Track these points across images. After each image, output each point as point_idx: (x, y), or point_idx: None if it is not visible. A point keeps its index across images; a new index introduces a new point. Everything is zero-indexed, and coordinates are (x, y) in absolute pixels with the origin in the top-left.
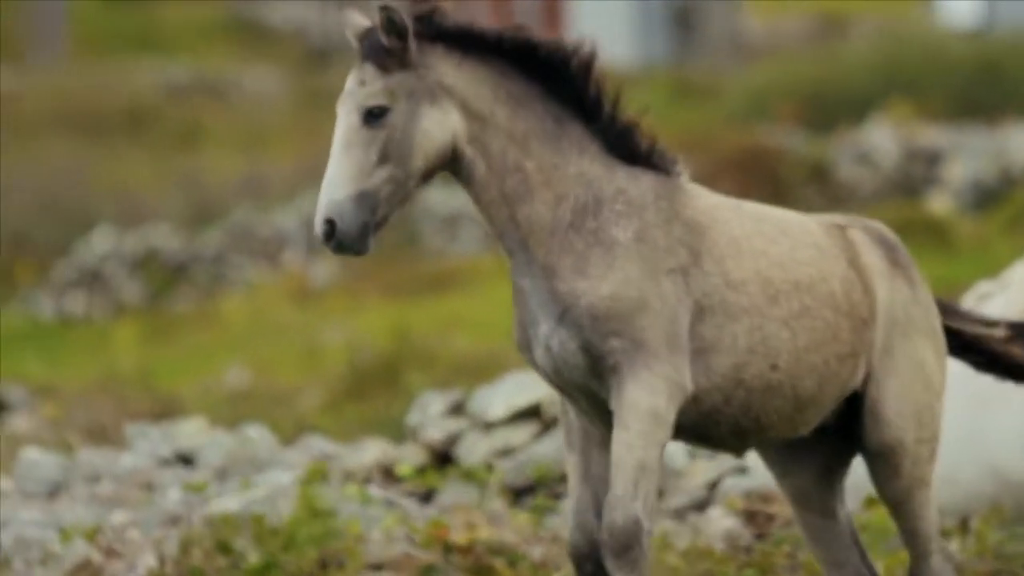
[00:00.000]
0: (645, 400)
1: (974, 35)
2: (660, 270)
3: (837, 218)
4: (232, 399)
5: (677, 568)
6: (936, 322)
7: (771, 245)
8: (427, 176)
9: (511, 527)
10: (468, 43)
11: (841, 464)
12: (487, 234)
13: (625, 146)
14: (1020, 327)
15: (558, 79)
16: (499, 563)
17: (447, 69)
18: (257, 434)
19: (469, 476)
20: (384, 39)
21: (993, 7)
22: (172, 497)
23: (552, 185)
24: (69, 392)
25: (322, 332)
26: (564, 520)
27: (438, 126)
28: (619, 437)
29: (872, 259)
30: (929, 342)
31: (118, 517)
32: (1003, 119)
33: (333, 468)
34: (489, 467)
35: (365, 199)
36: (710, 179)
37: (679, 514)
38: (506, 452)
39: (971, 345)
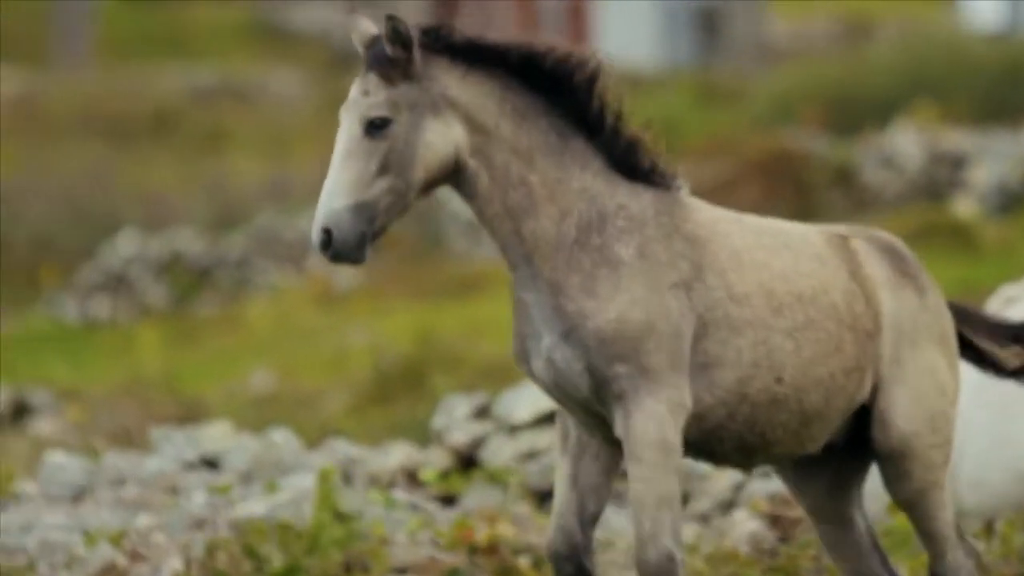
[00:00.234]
0: (653, 431)
1: (999, 38)
2: (663, 285)
3: (840, 228)
4: (257, 403)
5: (702, 572)
6: (949, 328)
7: (773, 257)
8: (428, 188)
9: (535, 529)
10: (473, 55)
11: (856, 474)
12: None
13: (627, 162)
14: None
15: (562, 92)
16: (523, 564)
17: (451, 81)
18: (282, 438)
19: (494, 479)
20: (389, 49)
21: (1017, 9)
22: (197, 501)
23: (556, 200)
24: (94, 396)
25: (347, 336)
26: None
27: (441, 138)
28: (634, 473)
29: (875, 270)
30: (940, 348)
31: (143, 521)
32: None
33: (358, 472)
34: (514, 470)
35: (363, 210)
36: (734, 183)
37: (704, 518)
38: (531, 455)
39: (985, 358)
